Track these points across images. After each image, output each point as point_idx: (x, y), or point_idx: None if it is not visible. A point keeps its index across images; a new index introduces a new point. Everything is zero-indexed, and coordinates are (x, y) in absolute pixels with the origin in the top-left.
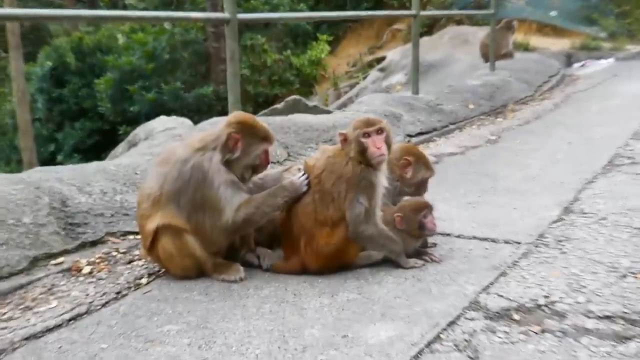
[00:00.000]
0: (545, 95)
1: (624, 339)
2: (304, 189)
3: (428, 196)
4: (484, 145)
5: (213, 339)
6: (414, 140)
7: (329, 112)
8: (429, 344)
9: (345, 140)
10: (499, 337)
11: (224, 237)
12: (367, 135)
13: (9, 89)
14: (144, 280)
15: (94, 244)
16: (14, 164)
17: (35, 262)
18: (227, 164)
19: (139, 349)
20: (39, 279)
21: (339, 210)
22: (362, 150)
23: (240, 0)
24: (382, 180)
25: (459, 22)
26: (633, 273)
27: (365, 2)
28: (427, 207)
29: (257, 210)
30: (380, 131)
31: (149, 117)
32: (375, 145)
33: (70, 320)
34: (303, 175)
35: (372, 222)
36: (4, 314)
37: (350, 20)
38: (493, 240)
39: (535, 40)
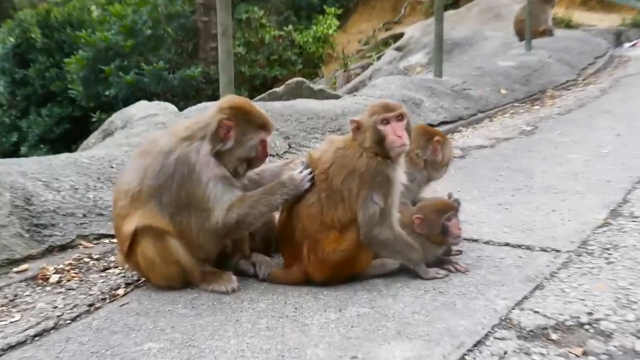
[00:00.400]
0: (590, 79)
1: None
2: (306, 185)
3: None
4: (518, 137)
5: (201, 359)
6: None
7: (337, 97)
8: None
9: (358, 128)
10: None
11: (213, 241)
12: (386, 121)
13: None
14: (120, 291)
15: (62, 248)
16: None
17: None
18: (218, 156)
19: None
20: (0, 288)
21: (350, 211)
22: (380, 140)
23: None
24: (401, 175)
25: None
26: None
27: None
28: (452, 209)
29: (251, 210)
30: (400, 117)
31: (127, 102)
32: (396, 134)
33: (35, 336)
34: (306, 169)
35: (387, 224)
36: None
37: None
38: (528, 248)
39: (579, 16)
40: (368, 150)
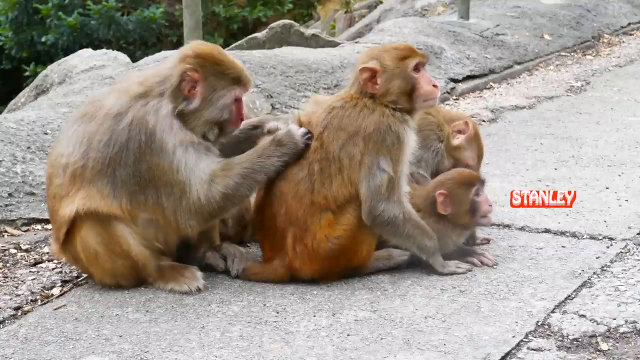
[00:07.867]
0: None
1: None
2: (303, 145)
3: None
4: (564, 95)
5: None
6: (461, 86)
7: (334, 44)
8: None
9: (373, 77)
10: None
11: (197, 222)
12: (419, 67)
13: None
14: (55, 291)
15: None
16: None
17: None
18: (181, 118)
19: None
20: None
21: (349, 185)
22: (410, 90)
23: None
24: (412, 139)
25: None
26: None
27: None
28: (479, 180)
29: (244, 180)
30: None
31: (69, 51)
32: (432, 83)
33: None
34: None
35: (396, 198)
36: None
37: None
38: (574, 235)
39: None
40: (382, 105)
